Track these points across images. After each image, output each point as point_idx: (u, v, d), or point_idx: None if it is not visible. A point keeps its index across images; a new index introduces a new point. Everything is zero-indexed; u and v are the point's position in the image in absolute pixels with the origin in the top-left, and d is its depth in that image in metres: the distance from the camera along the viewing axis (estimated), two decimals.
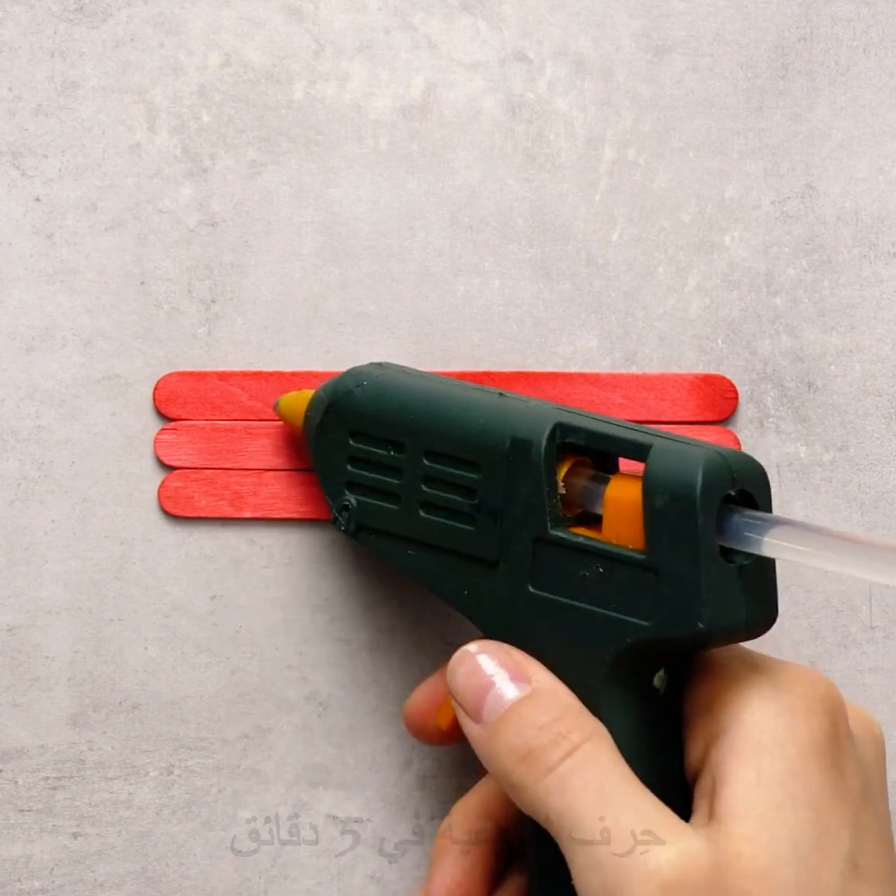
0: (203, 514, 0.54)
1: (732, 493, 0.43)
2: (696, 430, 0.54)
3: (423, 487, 0.48)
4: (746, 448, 0.54)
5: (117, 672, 0.53)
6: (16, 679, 0.53)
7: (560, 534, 0.45)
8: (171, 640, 0.54)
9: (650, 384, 0.54)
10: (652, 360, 0.54)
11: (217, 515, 0.54)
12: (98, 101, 0.53)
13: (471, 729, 0.45)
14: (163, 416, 0.54)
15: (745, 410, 0.54)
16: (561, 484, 0.45)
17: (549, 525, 0.45)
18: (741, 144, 0.54)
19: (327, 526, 0.53)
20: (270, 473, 0.54)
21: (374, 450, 0.49)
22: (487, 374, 0.54)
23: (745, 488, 0.44)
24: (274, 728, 0.53)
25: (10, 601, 0.53)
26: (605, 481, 0.45)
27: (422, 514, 0.48)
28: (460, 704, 0.45)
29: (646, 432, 0.45)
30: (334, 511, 0.50)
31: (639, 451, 0.44)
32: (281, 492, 0.54)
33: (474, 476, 0.46)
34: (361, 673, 0.53)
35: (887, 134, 0.55)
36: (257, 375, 0.54)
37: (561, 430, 0.45)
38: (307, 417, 0.51)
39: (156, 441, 0.53)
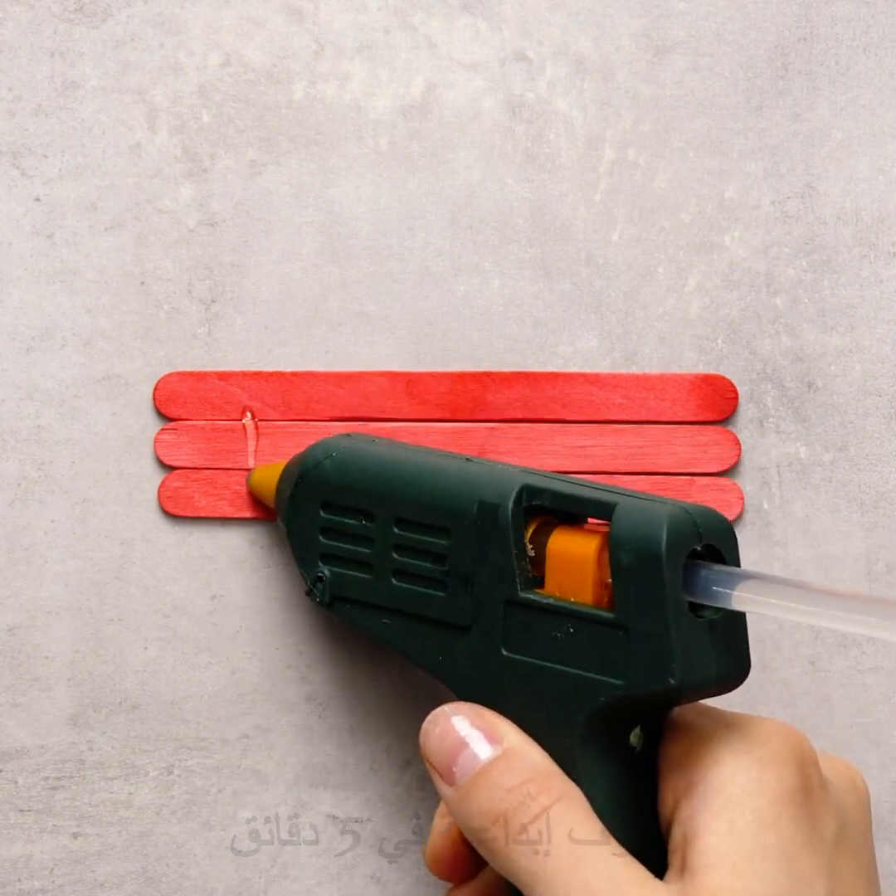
0: (203, 514, 0.54)
1: (699, 548, 0.43)
2: (696, 430, 0.54)
3: (395, 555, 0.48)
4: (746, 448, 0.54)
5: (117, 672, 0.53)
6: (16, 679, 0.53)
7: (529, 596, 0.45)
8: (171, 640, 0.54)
9: (650, 384, 0.54)
10: (652, 360, 0.54)
11: (217, 515, 0.54)
12: (98, 101, 0.53)
13: (444, 792, 0.45)
14: (163, 416, 0.54)
15: (745, 410, 0.54)
16: (529, 546, 0.46)
17: (519, 587, 0.45)
18: (741, 144, 0.54)
19: None
20: None
21: (344, 520, 0.49)
22: (488, 374, 0.54)
23: (711, 543, 0.44)
24: (274, 728, 0.53)
25: (10, 601, 0.53)
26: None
27: (394, 582, 0.48)
28: (434, 766, 0.45)
29: (611, 491, 0.45)
30: (308, 583, 0.50)
31: (604, 511, 0.44)
32: None
33: (444, 542, 0.47)
34: (361, 673, 0.53)
35: (887, 134, 0.54)
36: (257, 375, 0.54)
37: (527, 492, 0.45)
38: (278, 491, 0.51)
39: (156, 441, 0.53)
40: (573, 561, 0.45)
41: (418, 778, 0.53)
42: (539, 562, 0.46)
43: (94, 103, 0.53)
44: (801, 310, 0.54)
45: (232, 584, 0.53)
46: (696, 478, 0.54)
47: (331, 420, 0.54)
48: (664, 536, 0.42)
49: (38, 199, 0.53)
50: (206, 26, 0.54)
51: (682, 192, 0.54)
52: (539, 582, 0.46)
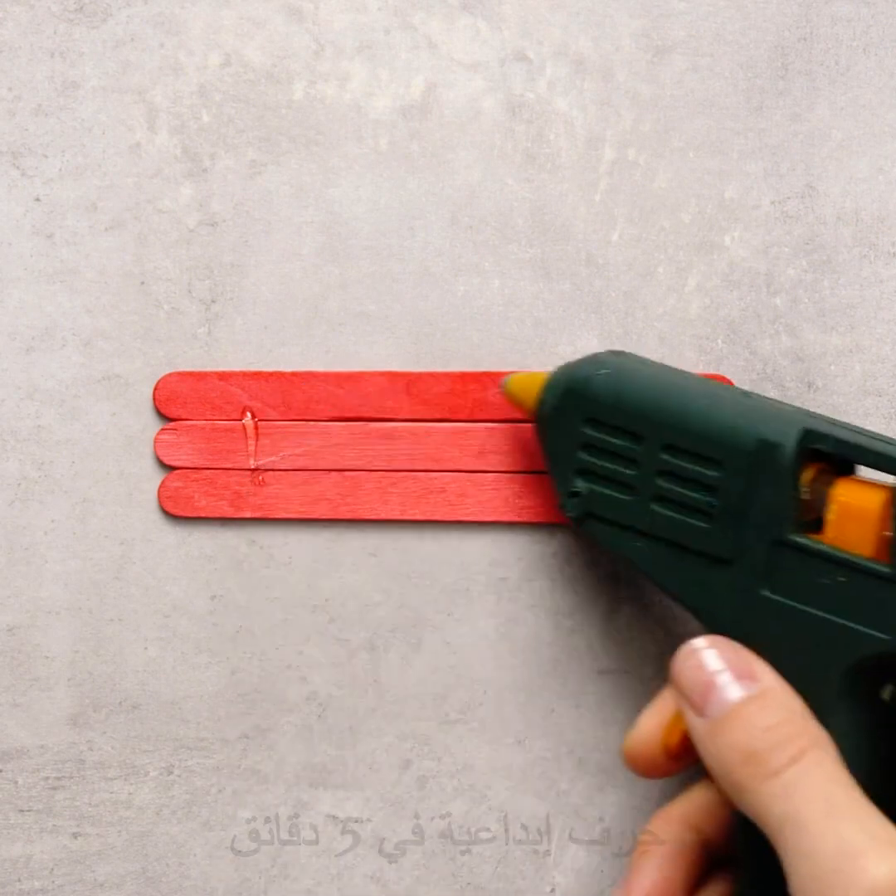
0: (203, 514, 0.54)
1: None
2: None
3: (659, 481, 0.47)
4: None
5: (117, 672, 0.53)
6: (16, 679, 0.53)
7: (801, 540, 0.45)
8: (171, 640, 0.53)
9: None
10: (651, 358, 0.54)
11: (217, 515, 0.54)
12: (98, 101, 0.53)
13: (694, 722, 0.45)
14: (163, 416, 0.54)
15: None
16: (805, 489, 0.45)
17: (789, 529, 0.45)
18: (741, 144, 0.54)
19: (327, 526, 0.53)
20: (270, 473, 0.54)
21: (609, 439, 0.48)
22: (488, 374, 0.54)
23: None
24: (274, 728, 0.53)
25: (10, 601, 0.53)
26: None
27: (655, 507, 0.47)
28: (685, 696, 0.45)
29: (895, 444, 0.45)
30: (562, 496, 0.49)
31: (888, 464, 0.44)
32: (281, 492, 0.54)
33: (715, 473, 0.46)
34: (361, 673, 0.53)
35: (887, 134, 0.54)
36: (257, 375, 0.54)
37: (809, 435, 0.45)
38: (541, 400, 0.50)
39: (156, 441, 0.53)
40: (857, 511, 0.44)
41: (418, 778, 0.53)
42: (811, 507, 0.45)
43: (94, 103, 0.53)
44: (801, 310, 0.54)
45: (232, 584, 0.53)
46: None
47: (331, 420, 0.54)
48: None
49: (38, 199, 0.53)
50: (206, 26, 0.54)
51: (682, 192, 0.54)
52: (810, 526, 0.45)
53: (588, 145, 0.54)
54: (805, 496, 0.45)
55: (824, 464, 0.46)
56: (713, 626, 0.46)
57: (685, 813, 0.49)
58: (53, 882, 0.54)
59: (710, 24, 0.54)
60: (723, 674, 0.45)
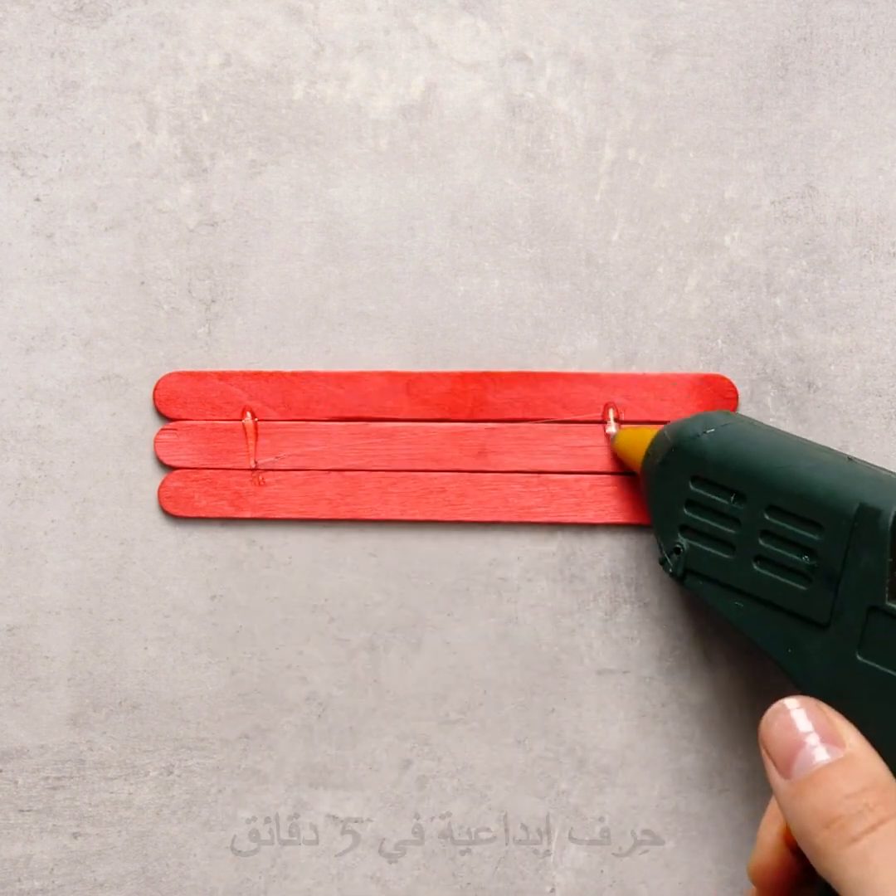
0: (203, 514, 0.53)
1: None
2: None
3: (761, 541, 0.47)
4: None
5: (117, 672, 0.53)
6: (16, 679, 0.53)
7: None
8: (171, 640, 0.53)
9: (650, 384, 0.54)
10: (652, 360, 0.54)
11: (217, 515, 0.53)
12: (98, 101, 0.53)
13: (778, 783, 0.45)
14: (163, 416, 0.54)
15: (746, 410, 0.54)
16: None
17: (887, 596, 0.45)
18: (741, 144, 0.54)
19: (327, 526, 0.53)
20: (270, 473, 0.54)
21: (714, 497, 0.49)
22: (488, 374, 0.54)
23: None
24: (274, 728, 0.53)
25: (10, 601, 0.53)
26: None
27: (755, 567, 0.48)
28: (771, 756, 0.45)
29: None
30: (664, 552, 0.50)
31: None
32: (281, 492, 0.54)
33: (815, 537, 0.46)
34: (361, 673, 0.53)
35: (887, 134, 0.54)
36: (257, 375, 0.54)
37: None
38: (647, 455, 0.51)
39: (156, 441, 0.53)
40: None
41: (418, 778, 0.53)
42: None
43: (94, 103, 0.53)
44: (801, 310, 0.54)
45: (232, 584, 0.53)
46: None
47: (331, 420, 0.54)
48: None
49: (38, 199, 0.53)
50: (206, 26, 0.53)
51: (682, 192, 0.54)
52: None
53: (588, 145, 0.54)
54: None
55: None
56: (807, 688, 0.46)
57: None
58: (53, 882, 0.54)
59: (710, 24, 0.54)
60: (810, 737, 0.45)
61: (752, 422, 0.50)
